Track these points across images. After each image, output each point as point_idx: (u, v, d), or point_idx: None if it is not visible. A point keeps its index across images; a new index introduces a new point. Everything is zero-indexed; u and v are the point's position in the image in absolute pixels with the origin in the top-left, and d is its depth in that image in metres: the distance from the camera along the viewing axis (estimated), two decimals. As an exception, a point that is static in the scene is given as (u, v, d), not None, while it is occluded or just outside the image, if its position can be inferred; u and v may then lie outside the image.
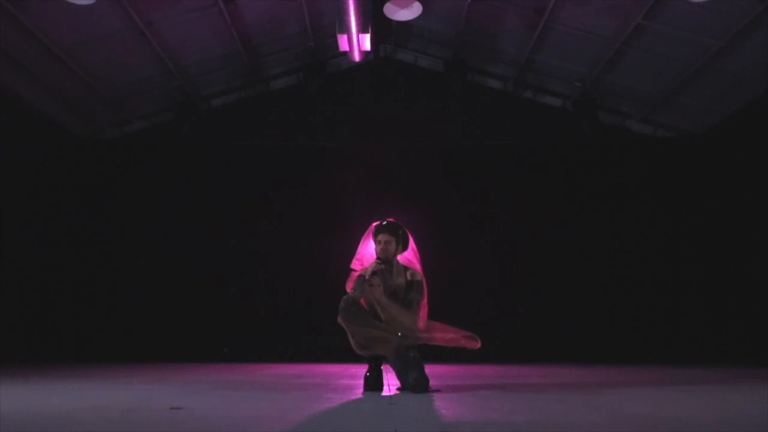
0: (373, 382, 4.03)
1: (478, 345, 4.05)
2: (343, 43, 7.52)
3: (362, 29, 7.24)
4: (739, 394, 4.13)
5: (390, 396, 3.76)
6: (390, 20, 7.88)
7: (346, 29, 7.17)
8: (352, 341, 3.99)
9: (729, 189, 8.39)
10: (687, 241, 8.59)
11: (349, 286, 4.18)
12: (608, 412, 3.07)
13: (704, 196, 8.60)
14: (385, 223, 4.25)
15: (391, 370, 4.08)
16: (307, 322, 8.21)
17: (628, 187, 8.91)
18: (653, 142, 9.12)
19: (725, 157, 8.46)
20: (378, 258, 4.15)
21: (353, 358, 4.20)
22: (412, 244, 4.31)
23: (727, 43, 6.88)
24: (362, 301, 4.03)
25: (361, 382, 4.09)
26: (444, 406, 3.24)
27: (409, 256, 4.27)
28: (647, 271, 8.61)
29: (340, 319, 3.95)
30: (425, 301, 4.11)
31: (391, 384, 4.20)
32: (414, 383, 3.83)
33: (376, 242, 4.19)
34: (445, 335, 4.06)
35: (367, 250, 4.29)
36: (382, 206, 7.12)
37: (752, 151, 8.00)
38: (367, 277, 4.03)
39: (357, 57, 7.86)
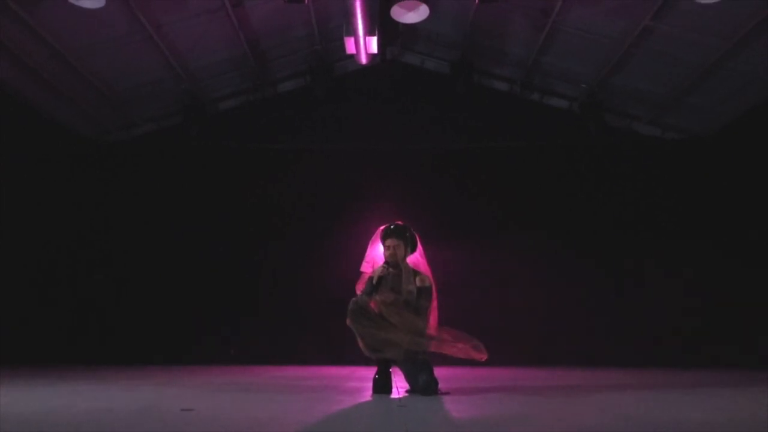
0: (382, 385, 4.02)
1: (485, 357, 4.03)
2: (350, 46, 7.53)
3: (369, 32, 7.26)
4: (748, 396, 4.10)
5: (399, 398, 3.76)
6: (397, 23, 7.89)
7: (353, 32, 7.18)
8: (361, 343, 3.99)
9: (738, 191, 8.34)
10: (695, 244, 8.53)
11: (359, 288, 4.19)
12: (617, 414, 3.06)
13: (713, 198, 8.56)
14: (392, 227, 4.23)
15: (400, 372, 4.07)
16: (315, 324, 8.20)
17: (637, 189, 8.87)
18: (661, 144, 9.08)
19: (734, 159, 8.42)
20: (386, 262, 4.14)
21: (362, 361, 4.19)
22: (420, 246, 4.30)
23: (735, 44, 6.85)
24: (371, 303, 4.02)
25: (370, 384, 4.08)
26: (453, 408, 3.23)
27: (417, 258, 4.26)
28: (656, 274, 8.55)
29: (349, 321, 3.95)
30: (435, 304, 4.11)
31: (399, 386, 4.20)
32: (423, 385, 3.82)
33: (385, 247, 4.18)
34: (455, 345, 4.03)
35: (376, 253, 4.28)
36: (389, 208, 7.13)
37: (761, 153, 7.97)
38: (374, 281, 4.04)
39: (364, 60, 7.87)
